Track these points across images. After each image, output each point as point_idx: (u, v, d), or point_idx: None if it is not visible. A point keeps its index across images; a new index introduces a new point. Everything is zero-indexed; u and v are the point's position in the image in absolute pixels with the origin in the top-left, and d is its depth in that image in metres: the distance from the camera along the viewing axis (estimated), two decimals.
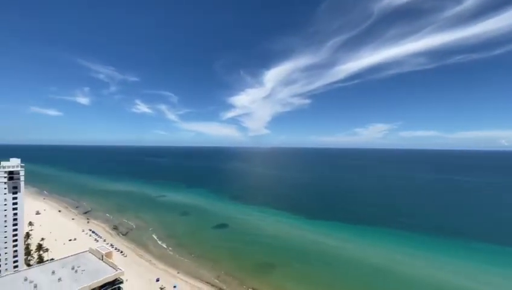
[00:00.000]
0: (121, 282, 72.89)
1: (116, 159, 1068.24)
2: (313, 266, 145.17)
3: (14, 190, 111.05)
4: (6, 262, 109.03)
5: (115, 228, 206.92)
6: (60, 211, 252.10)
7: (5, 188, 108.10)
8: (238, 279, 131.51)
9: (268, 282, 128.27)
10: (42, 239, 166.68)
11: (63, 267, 73.39)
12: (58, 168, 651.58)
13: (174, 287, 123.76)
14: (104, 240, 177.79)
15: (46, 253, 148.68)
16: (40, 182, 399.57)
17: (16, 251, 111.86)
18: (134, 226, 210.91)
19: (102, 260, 78.36)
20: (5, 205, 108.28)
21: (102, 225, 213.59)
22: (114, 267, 74.14)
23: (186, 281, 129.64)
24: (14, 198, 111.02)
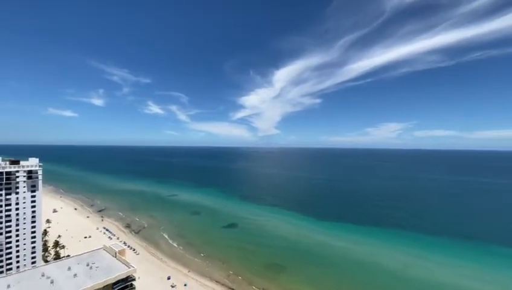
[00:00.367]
0: (134, 279, 74.41)
1: (129, 159, 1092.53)
2: (323, 268, 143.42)
3: (33, 188, 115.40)
4: (24, 258, 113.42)
5: (128, 226, 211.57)
6: (75, 209, 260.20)
7: (24, 187, 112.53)
8: (247, 279, 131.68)
9: (278, 283, 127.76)
10: (59, 236, 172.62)
11: (78, 264, 75.63)
12: (74, 168, 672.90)
13: (185, 285, 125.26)
14: (118, 238, 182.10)
15: (63, 250, 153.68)
16: (57, 181, 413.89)
17: (34, 247, 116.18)
18: (146, 225, 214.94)
19: (115, 257, 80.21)
20: (24, 203, 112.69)
21: (116, 223, 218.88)
22: (127, 264, 75.72)
23: (196, 280, 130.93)
24: (33, 196, 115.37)
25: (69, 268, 72.46)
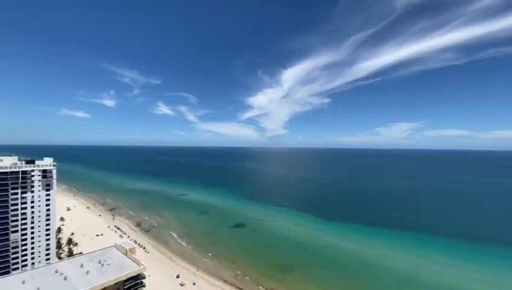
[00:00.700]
0: (144, 277, 75.43)
1: (139, 159, 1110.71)
2: (331, 270, 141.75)
3: (47, 187, 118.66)
4: (39, 255, 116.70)
5: (138, 224, 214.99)
6: (88, 207, 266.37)
7: (39, 186, 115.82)
8: (255, 279, 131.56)
9: (285, 284, 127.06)
10: (72, 234, 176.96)
11: (90, 261, 77.22)
12: (86, 167, 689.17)
13: (194, 284, 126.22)
14: (128, 236, 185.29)
15: (76, 247, 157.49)
16: (70, 180, 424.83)
17: (48, 244, 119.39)
18: (155, 224, 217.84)
19: (126, 255, 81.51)
20: (39, 201, 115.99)
21: (127, 221, 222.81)
22: (137, 262, 76.82)
23: (205, 279, 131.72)
24: (47, 195, 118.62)
25: (82, 265, 74.07)
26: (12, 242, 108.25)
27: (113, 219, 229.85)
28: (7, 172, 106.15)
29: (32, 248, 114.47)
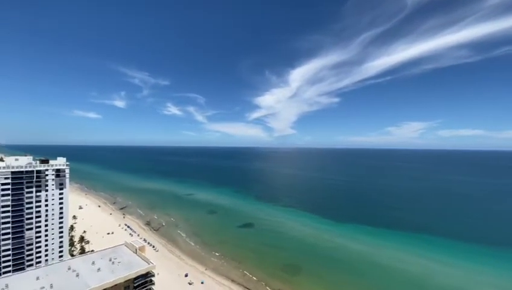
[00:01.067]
0: (153, 275, 76.36)
1: (148, 159, 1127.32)
2: (340, 272, 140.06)
3: (61, 186, 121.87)
4: (53, 252, 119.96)
5: (148, 223, 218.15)
6: (99, 206, 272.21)
7: (53, 185, 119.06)
8: (262, 280, 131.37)
9: (293, 285, 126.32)
10: (84, 232, 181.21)
11: (101, 259, 78.70)
12: (97, 167, 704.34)
13: (202, 283, 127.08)
14: (138, 235, 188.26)
15: (88, 245, 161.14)
16: (82, 179, 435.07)
17: (61, 242, 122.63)
18: (164, 223, 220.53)
19: (136, 253, 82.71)
20: (53, 199, 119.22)
21: (136, 220, 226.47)
22: (146, 261, 77.82)
23: (213, 278, 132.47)
24: (61, 193, 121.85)
25: (93, 262, 75.56)
26: (27, 239, 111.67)
27: (124, 217, 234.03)
28: (23, 171, 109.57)
29: (46, 245, 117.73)
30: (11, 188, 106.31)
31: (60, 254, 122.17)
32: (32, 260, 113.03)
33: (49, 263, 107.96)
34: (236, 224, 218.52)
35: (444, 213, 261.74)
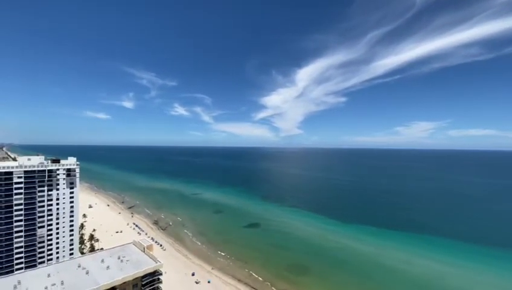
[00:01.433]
0: (161, 273, 77.35)
1: (155, 159, 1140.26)
2: (347, 273, 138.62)
3: (71, 185, 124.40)
4: (63, 250, 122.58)
5: (155, 222, 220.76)
6: (108, 205, 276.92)
7: (64, 184, 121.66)
8: (268, 280, 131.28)
9: (299, 286, 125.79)
10: (94, 230, 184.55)
11: (110, 257, 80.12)
12: (106, 167, 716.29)
13: (209, 282, 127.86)
14: (146, 234, 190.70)
15: (97, 243, 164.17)
16: (92, 179, 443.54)
17: (71, 240, 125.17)
18: (171, 222, 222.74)
19: (144, 252, 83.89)
20: (64, 198, 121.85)
21: (145, 219, 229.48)
22: (154, 259, 78.83)
23: (219, 278, 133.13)
24: (71, 192, 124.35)
25: (103, 260, 77.00)
26: (39, 237, 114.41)
27: (132, 216, 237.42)
28: (35, 171, 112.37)
29: (57, 243, 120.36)
30: (24, 187, 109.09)
31: (71, 252, 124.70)
32: (43, 257, 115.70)
33: (60, 261, 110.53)
34: (242, 224, 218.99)
35: (450, 214, 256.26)
